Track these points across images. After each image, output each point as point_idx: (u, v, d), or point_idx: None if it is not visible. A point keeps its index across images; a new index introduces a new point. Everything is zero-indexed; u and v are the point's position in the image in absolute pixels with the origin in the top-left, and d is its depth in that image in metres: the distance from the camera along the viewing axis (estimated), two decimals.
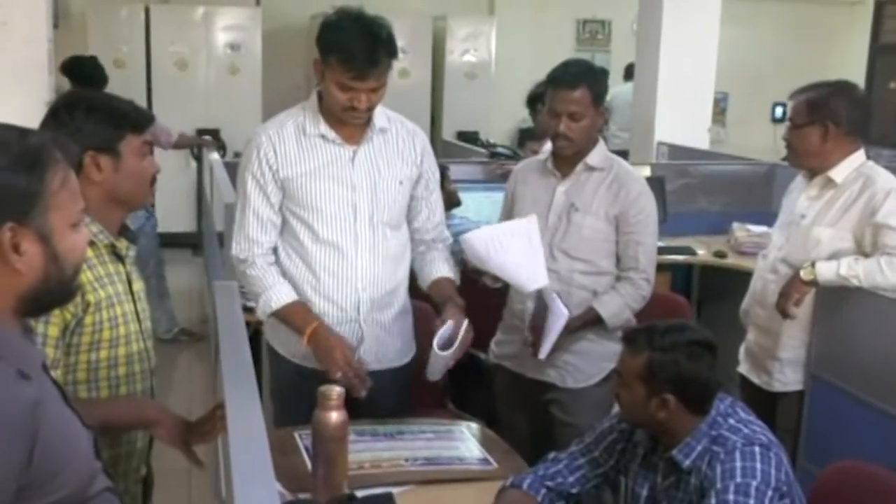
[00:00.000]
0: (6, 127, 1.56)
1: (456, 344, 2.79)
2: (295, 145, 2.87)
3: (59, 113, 2.23)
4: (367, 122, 2.87)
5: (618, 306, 3.17)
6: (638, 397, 2.34)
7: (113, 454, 2.23)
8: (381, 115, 2.91)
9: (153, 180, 2.32)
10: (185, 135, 7.11)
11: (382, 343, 3.01)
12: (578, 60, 3.36)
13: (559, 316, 3.10)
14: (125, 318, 2.23)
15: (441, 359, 2.80)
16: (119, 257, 2.28)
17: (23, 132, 1.56)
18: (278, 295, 2.87)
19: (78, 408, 1.93)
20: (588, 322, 3.19)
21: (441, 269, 3.06)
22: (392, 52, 2.77)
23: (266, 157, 2.86)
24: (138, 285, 2.34)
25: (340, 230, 2.89)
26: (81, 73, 6.37)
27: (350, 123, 2.84)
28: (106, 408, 2.15)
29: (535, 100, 5.24)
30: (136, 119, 2.27)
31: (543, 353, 3.16)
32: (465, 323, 2.82)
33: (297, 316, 2.87)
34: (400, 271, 3.02)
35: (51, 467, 1.50)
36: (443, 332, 2.80)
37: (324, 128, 2.86)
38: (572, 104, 3.13)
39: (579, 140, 3.17)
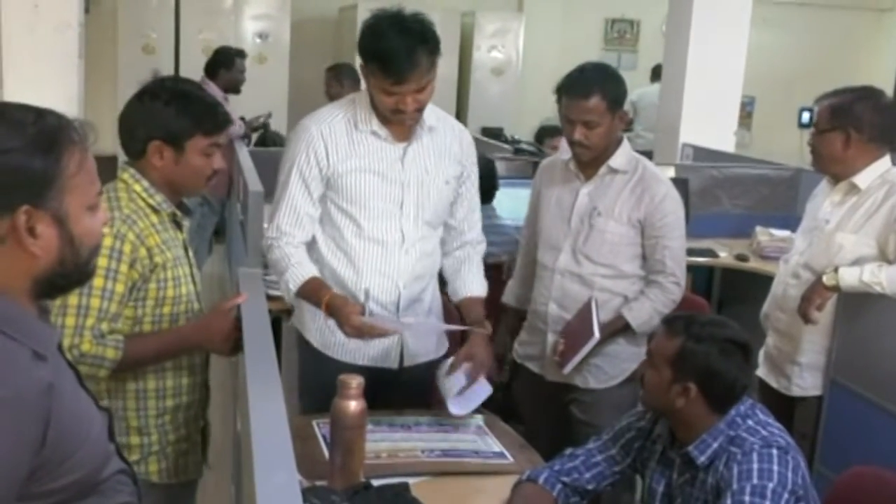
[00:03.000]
0: (23, 107, 1.54)
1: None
2: (346, 140, 2.84)
3: (143, 96, 2.39)
4: (417, 119, 2.85)
5: (647, 314, 3.15)
6: (662, 380, 2.35)
7: (175, 403, 2.47)
8: (431, 113, 2.88)
9: (212, 175, 2.47)
10: (248, 121, 7.35)
11: (420, 333, 3.04)
12: (594, 65, 3.27)
13: (591, 336, 3.11)
14: (185, 279, 2.45)
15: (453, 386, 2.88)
16: (178, 225, 2.50)
17: (40, 113, 1.54)
18: (295, 274, 2.83)
19: (133, 342, 2.26)
20: (617, 330, 3.20)
21: (472, 285, 3.07)
22: (433, 50, 2.73)
23: (315, 152, 2.83)
24: (191, 252, 2.56)
25: (386, 227, 2.89)
26: (210, 62, 7.13)
27: (401, 125, 2.84)
28: (161, 337, 2.39)
29: None
30: (208, 123, 2.41)
31: (568, 370, 3.18)
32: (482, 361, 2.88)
33: (312, 293, 2.83)
34: (434, 267, 3.04)
35: (64, 449, 1.50)
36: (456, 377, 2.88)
37: (376, 125, 2.83)
38: (586, 113, 3.09)
39: (596, 146, 3.14)
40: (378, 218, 2.88)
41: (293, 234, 2.86)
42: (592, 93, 3.08)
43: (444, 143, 2.94)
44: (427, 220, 2.93)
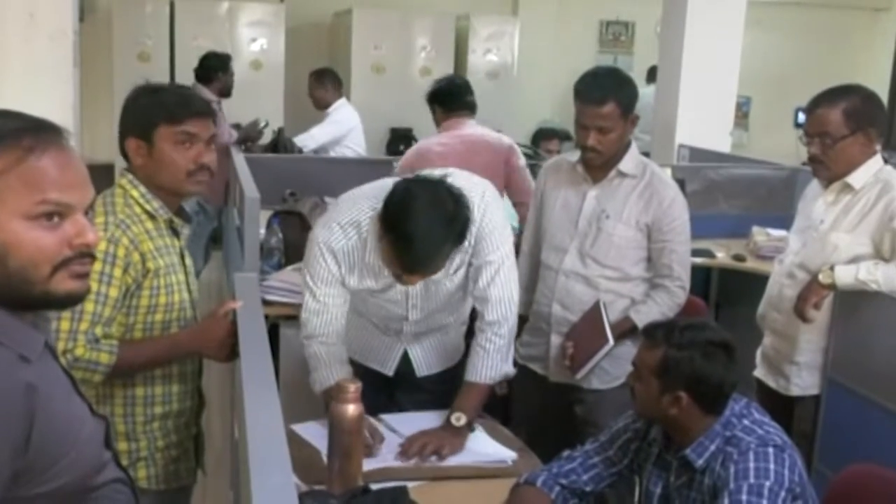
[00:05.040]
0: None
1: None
2: (358, 263, 2.77)
3: (127, 100, 2.42)
4: None
5: (654, 317, 3.12)
6: (651, 392, 2.35)
7: (164, 411, 2.47)
8: None
9: (196, 171, 2.41)
10: (242, 127, 7.42)
11: (430, 352, 3.08)
12: (607, 71, 3.29)
13: (605, 342, 3.11)
14: (179, 286, 2.44)
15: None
16: (175, 232, 2.48)
17: (5, 114, 1.51)
18: (322, 377, 2.80)
19: (128, 347, 2.27)
20: (624, 332, 3.19)
21: (475, 372, 2.84)
22: (459, 244, 2.61)
23: (329, 266, 2.76)
24: (189, 260, 2.55)
25: (393, 310, 2.93)
26: (203, 67, 7.19)
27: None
28: (157, 343, 2.39)
29: (433, 99, 4.93)
30: (172, 111, 2.37)
31: (581, 375, 3.18)
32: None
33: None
34: (450, 319, 3.05)
35: (50, 453, 1.48)
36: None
37: (380, 262, 2.74)
38: (600, 119, 3.11)
39: (609, 151, 3.16)
40: (384, 307, 2.89)
41: (326, 334, 2.83)
42: (607, 100, 3.09)
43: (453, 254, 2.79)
44: (431, 310, 2.94)
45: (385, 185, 2.74)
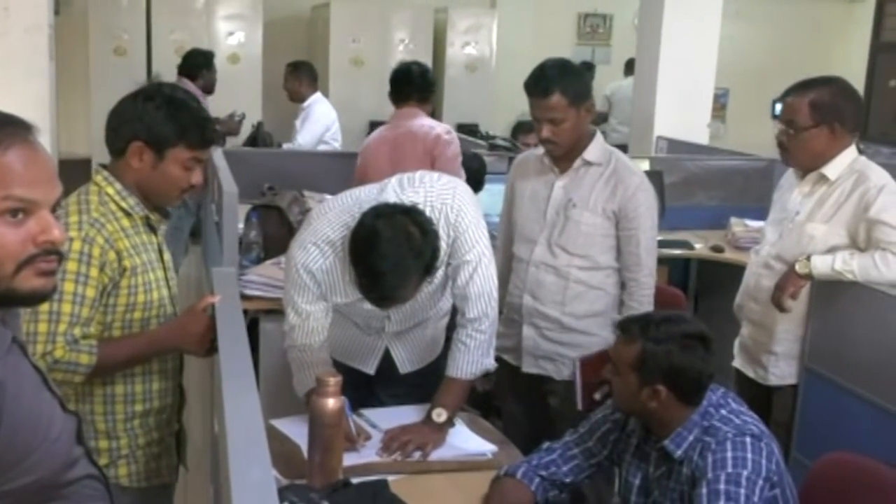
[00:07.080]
0: None
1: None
2: (338, 281, 2.75)
3: (138, 96, 2.36)
4: None
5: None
6: (629, 386, 2.35)
7: (144, 408, 2.44)
8: None
9: (188, 189, 2.41)
10: (221, 120, 7.39)
11: (413, 348, 3.07)
12: (554, 62, 3.25)
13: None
14: (157, 283, 2.41)
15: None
16: (152, 228, 2.45)
17: None
18: (307, 379, 2.77)
19: (107, 346, 2.22)
20: None
21: (455, 367, 2.83)
22: (428, 274, 2.59)
23: (309, 286, 2.75)
24: (167, 256, 2.52)
25: (373, 319, 2.95)
26: (188, 63, 7.25)
27: None
28: (136, 340, 2.35)
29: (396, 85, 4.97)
30: (194, 135, 2.36)
31: (582, 405, 3.21)
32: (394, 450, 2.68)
33: None
34: (434, 309, 3.03)
35: (19, 449, 1.46)
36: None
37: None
38: (548, 111, 3.13)
39: (565, 142, 3.18)
40: (366, 309, 2.83)
41: (309, 343, 2.81)
42: (552, 91, 3.12)
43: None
44: (413, 309, 2.92)
45: (357, 198, 2.76)
